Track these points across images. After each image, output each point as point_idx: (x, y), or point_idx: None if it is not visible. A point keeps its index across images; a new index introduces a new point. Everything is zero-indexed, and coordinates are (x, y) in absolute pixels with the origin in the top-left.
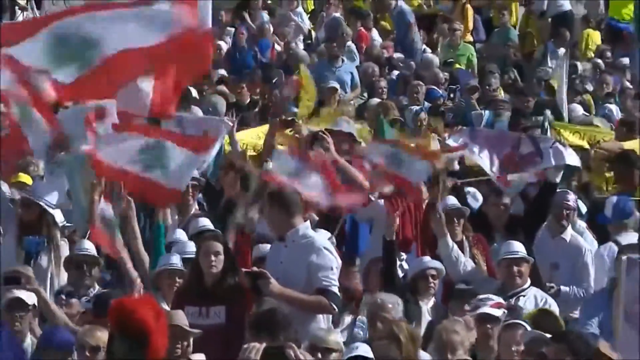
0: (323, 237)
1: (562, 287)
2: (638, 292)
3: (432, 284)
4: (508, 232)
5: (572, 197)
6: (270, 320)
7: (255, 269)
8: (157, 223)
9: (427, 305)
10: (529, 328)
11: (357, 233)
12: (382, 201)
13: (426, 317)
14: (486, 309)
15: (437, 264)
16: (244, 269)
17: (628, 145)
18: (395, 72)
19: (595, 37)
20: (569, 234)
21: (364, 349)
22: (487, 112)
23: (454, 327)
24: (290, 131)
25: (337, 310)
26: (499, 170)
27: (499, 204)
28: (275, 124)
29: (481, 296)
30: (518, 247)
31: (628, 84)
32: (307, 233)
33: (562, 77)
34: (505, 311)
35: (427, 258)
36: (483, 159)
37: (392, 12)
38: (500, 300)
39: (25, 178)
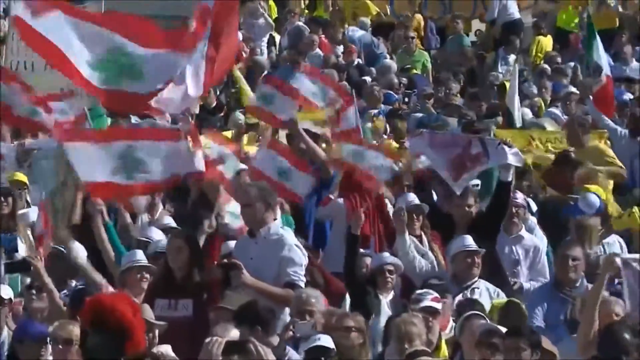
0: (292, 235)
1: (524, 283)
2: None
3: (389, 279)
4: (471, 232)
5: (520, 195)
6: (255, 313)
7: (227, 260)
8: (106, 223)
9: (386, 299)
10: (487, 320)
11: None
12: (341, 200)
13: (385, 310)
14: (427, 302)
15: (394, 259)
16: (217, 262)
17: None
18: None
19: (545, 44)
20: (524, 231)
21: (326, 339)
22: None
23: (412, 319)
24: (254, 134)
25: None
26: (451, 171)
27: (463, 204)
28: (240, 127)
29: (420, 290)
30: (470, 241)
31: (574, 88)
32: (279, 230)
33: (513, 83)
34: (445, 303)
35: (385, 254)
36: (438, 163)
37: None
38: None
39: (21, 177)
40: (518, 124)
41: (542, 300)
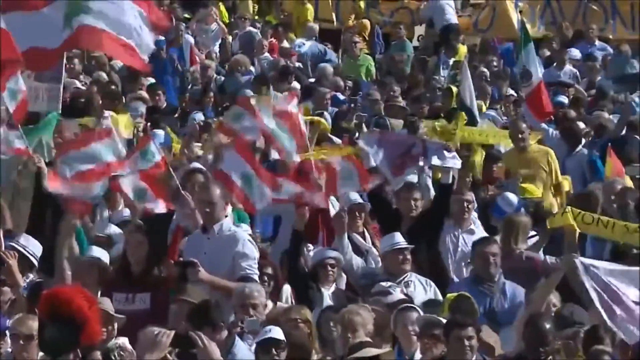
0: (244, 230)
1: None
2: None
3: (330, 272)
4: (415, 226)
5: (468, 192)
6: (207, 310)
7: (183, 258)
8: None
9: (328, 292)
10: (420, 312)
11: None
12: None
13: (327, 302)
14: (399, 296)
15: (335, 253)
16: (173, 259)
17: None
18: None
19: (482, 47)
20: (475, 226)
21: (276, 331)
22: None
23: (358, 310)
24: (206, 136)
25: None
26: (391, 168)
27: (409, 198)
28: (195, 129)
29: (386, 284)
30: (399, 239)
31: (511, 91)
32: (231, 227)
33: (466, 85)
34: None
35: (326, 248)
36: (381, 160)
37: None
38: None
39: None
40: (479, 120)
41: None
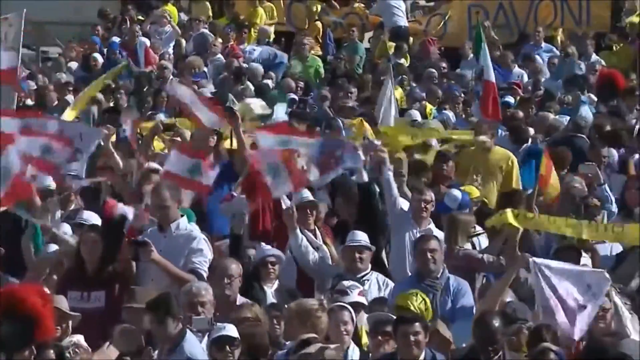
0: (199, 230)
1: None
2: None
3: (272, 270)
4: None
5: (428, 190)
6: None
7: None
8: (33, 226)
9: (270, 289)
10: (352, 311)
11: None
12: (244, 196)
13: (270, 299)
14: (354, 297)
15: (275, 251)
16: (128, 239)
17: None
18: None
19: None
20: (433, 225)
21: (230, 329)
22: None
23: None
24: (171, 134)
25: None
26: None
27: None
28: (157, 127)
29: (348, 284)
30: (361, 237)
31: (460, 92)
32: (187, 226)
33: (386, 87)
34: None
35: (267, 247)
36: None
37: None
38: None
39: None
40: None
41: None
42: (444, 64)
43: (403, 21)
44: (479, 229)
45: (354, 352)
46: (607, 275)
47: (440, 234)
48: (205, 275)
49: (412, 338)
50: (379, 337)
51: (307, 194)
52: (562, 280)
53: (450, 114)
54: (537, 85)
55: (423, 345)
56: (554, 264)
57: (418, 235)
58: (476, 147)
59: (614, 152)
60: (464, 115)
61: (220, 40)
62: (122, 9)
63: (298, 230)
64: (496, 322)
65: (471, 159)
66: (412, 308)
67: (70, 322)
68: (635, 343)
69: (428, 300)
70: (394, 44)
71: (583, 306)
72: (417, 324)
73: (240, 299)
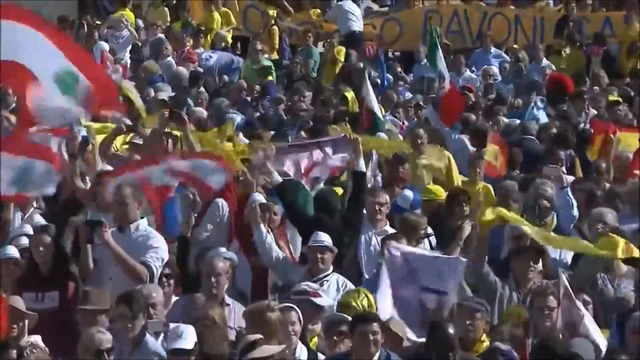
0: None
1: None
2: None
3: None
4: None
5: (382, 192)
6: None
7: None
8: None
9: None
10: (299, 312)
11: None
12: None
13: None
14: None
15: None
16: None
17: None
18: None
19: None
20: (388, 226)
21: (187, 335)
22: None
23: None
24: (132, 136)
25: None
26: (301, 174)
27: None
28: (120, 129)
29: (303, 284)
30: (324, 237)
31: (411, 95)
32: (147, 227)
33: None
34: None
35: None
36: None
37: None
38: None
39: None
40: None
41: (372, 289)
42: (399, 69)
43: (357, 26)
44: (430, 230)
45: (301, 352)
46: (462, 263)
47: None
48: (156, 270)
49: (370, 337)
50: (334, 337)
51: (260, 197)
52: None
53: (401, 117)
54: (489, 89)
55: (380, 344)
56: (409, 248)
57: (373, 236)
58: (413, 151)
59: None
60: (415, 119)
61: (169, 46)
62: (79, 13)
63: (262, 226)
64: (451, 329)
65: (413, 164)
66: (354, 305)
67: (26, 322)
68: (586, 342)
69: (372, 298)
70: (342, 48)
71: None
72: (375, 323)
73: (228, 299)
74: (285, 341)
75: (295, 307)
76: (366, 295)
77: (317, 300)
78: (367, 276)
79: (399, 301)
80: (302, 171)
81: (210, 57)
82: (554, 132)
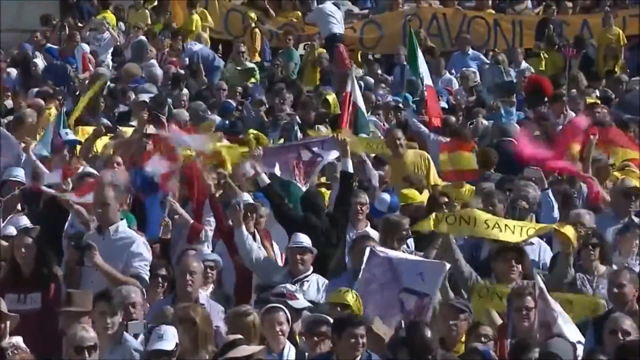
0: (137, 234)
1: None
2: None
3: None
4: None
5: (362, 193)
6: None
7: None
8: None
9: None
10: (287, 312)
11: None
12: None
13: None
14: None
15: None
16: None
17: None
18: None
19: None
20: (369, 227)
21: (167, 337)
22: None
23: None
24: (111, 137)
25: (144, 293)
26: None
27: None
28: (100, 131)
29: (281, 287)
30: (303, 238)
31: (390, 98)
32: (126, 230)
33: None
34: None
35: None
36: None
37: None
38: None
39: None
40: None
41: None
42: (379, 70)
43: (338, 28)
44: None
45: (289, 352)
46: (445, 267)
47: (376, 235)
48: (147, 277)
49: (360, 341)
50: (315, 338)
51: (247, 197)
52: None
53: (381, 118)
54: (470, 91)
55: (365, 347)
56: (394, 252)
57: (354, 236)
58: (393, 154)
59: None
60: (394, 121)
61: (153, 48)
62: (61, 15)
63: (244, 227)
64: (429, 332)
65: (392, 166)
66: (348, 302)
67: (8, 323)
68: (564, 343)
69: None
70: (324, 50)
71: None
72: (362, 326)
73: (202, 298)
74: (273, 341)
75: (283, 307)
76: (356, 295)
77: (292, 303)
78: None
79: (378, 300)
80: (294, 171)
81: (195, 44)
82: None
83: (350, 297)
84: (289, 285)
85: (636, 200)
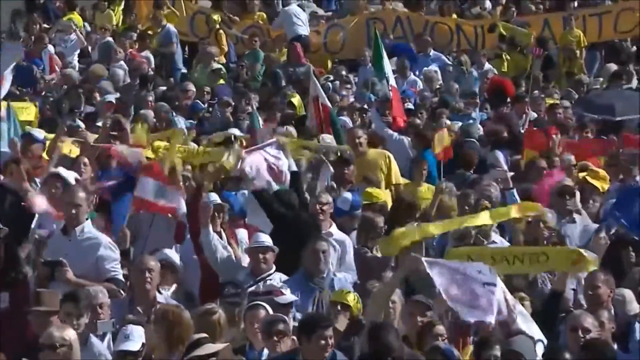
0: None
1: (337, 274)
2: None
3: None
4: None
5: (325, 194)
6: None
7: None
8: None
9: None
10: (269, 309)
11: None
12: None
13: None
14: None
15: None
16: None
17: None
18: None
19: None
20: (334, 227)
21: (134, 336)
22: None
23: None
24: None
25: (123, 294)
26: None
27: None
28: (62, 130)
29: (269, 284)
30: (264, 238)
31: (353, 99)
32: (91, 230)
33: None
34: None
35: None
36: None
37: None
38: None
39: None
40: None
41: (295, 289)
42: (344, 71)
43: (303, 30)
44: None
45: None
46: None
47: (341, 236)
48: (121, 276)
49: (329, 342)
50: (274, 337)
51: (215, 198)
52: (455, 268)
53: (347, 119)
54: (434, 92)
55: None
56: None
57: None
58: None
59: (500, 154)
60: (359, 121)
61: (121, 49)
62: (27, 17)
63: (210, 227)
64: (390, 335)
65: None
66: (348, 303)
67: None
68: (527, 340)
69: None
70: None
71: (490, 283)
72: (331, 328)
73: (160, 297)
74: (253, 338)
75: (264, 304)
76: (355, 295)
77: (279, 299)
78: None
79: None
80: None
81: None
82: (492, 135)
83: (351, 298)
84: (275, 283)
85: (571, 199)
